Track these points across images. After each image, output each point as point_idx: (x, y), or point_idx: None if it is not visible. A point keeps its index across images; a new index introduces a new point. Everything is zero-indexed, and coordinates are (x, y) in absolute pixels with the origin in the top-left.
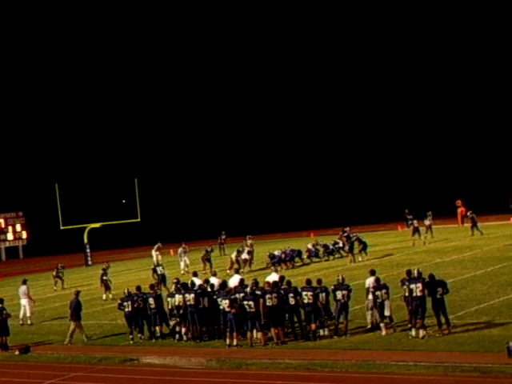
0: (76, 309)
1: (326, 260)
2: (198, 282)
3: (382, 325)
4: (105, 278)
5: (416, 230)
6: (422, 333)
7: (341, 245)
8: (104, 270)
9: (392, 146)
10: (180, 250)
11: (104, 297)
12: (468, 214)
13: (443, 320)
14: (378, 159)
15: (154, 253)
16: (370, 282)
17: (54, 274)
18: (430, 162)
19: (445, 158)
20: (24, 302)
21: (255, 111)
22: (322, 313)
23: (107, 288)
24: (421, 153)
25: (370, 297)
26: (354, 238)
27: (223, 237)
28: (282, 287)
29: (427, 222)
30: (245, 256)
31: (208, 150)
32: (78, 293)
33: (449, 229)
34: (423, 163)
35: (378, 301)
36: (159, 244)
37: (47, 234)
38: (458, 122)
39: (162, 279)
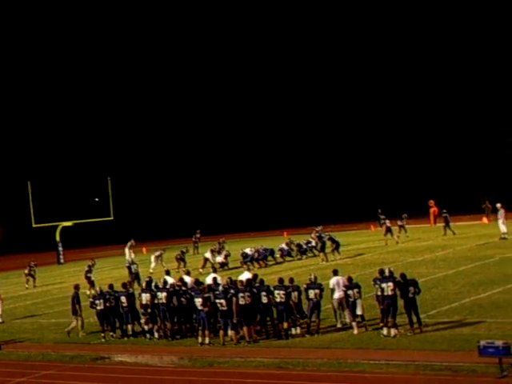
0: (78, 303)
1: (299, 259)
2: (170, 280)
3: (353, 324)
4: (89, 275)
5: (388, 230)
6: (393, 332)
7: (313, 244)
8: (89, 266)
9: (365, 146)
10: (157, 253)
11: (88, 293)
12: (442, 212)
13: (415, 319)
14: (352, 160)
15: (126, 250)
16: (333, 281)
17: (27, 271)
18: (403, 162)
19: (418, 158)
20: None
21: (232, 108)
22: (295, 312)
23: (92, 285)
24: (394, 153)
25: (335, 296)
26: (327, 237)
27: (198, 235)
28: (256, 285)
29: (400, 223)
30: (221, 259)
31: (181, 148)
32: (77, 286)
33: (421, 228)
34: (396, 164)
35: (350, 300)
36: (132, 241)
37: (19, 232)
38: (431, 123)
39: (136, 277)
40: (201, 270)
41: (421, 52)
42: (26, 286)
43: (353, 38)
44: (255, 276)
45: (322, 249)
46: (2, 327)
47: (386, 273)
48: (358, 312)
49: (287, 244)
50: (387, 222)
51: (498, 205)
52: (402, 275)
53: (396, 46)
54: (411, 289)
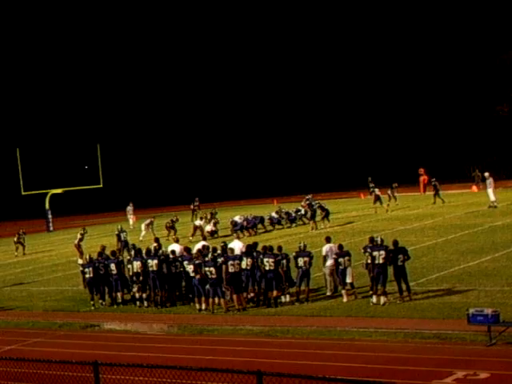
0: None
1: (289, 227)
2: (177, 248)
3: (343, 291)
4: (81, 243)
5: (377, 199)
6: (383, 299)
7: (303, 212)
8: (81, 235)
9: (355, 114)
10: (148, 221)
11: (80, 261)
12: (431, 181)
13: (404, 287)
14: (341, 127)
15: (130, 216)
16: (325, 249)
17: (16, 239)
18: (392, 130)
19: (408, 126)
20: None
21: (226, 78)
22: (283, 280)
23: (82, 254)
24: (384, 121)
25: (328, 263)
26: (317, 205)
27: (196, 203)
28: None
29: (389, 192)
30: (210, 228)
31: (173, 114)
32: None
33: (411, 197)
34: (387, 131)
35: (341, 267)
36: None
37: (8, 200)
38: (422, 91)
39: (125, 245)
40: (191, 238)
41: (409, 24)
42: (16, 253)
43: (345, 25)
44: (255, 244)
45: (312, 217)
46: None
47: (378, 241)
48: (348, 280)
49: (277, 212)
50: (376, 190)
51: (487, 173)
52: (394, 242)
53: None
54: (400, 256)
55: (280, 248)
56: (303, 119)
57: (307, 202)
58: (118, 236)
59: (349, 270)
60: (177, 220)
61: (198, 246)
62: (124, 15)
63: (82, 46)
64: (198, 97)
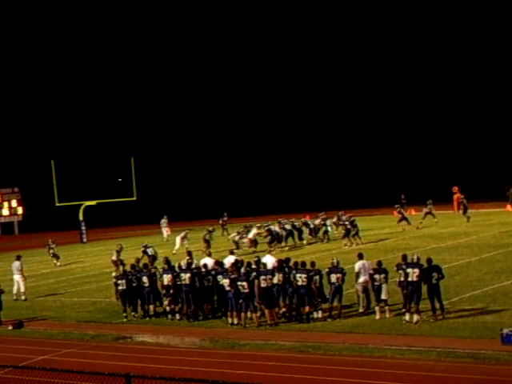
0: None
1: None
2: (209, 262)
3: (377, 308)
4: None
5: (403, 218)
6: (415, 317)
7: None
8: (118, 252)
9: (390, 131)
10: (183, 234)
11: (114, 274)
12: (461, 198)
13: (437, 305)
14: (376, 144)
15: (164, 229)
16: (358, 265)
17: (49, 250)
18: (427, 148)
19: (442, 144)
20: (17, 277)
21: (259, 91)
22: (316, 295)
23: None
24: (419, 139)
25: (361, 280)
26: (348, 221)
27: (225, 218)
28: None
29: (425, 209)
30: (251, 236)
31: (206, 129)
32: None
33: (445, 215)
34: (421, 149)
35: (376, 284)
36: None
37: (43, 211)
38: (457, 109)
39: (154, 259)
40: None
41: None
42: (58, 263)
43: (353, 28)
44: (288, 259)
45: (347, 234)
46: (24, 304)
47: (414, 259)
48: (383, 297)
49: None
50: (402, 209)
51: None
52: (428, 260)
53: (410, 34)
54: (434, 274)
55: (313, 264)
56: (338, 136)
57: (340, 221)
58: (145, 252)
59: (384, 287)
60: (213, 230)
61: (230, 259)
62: (159, 30)
63: (119, 60)
64: (231, 113)
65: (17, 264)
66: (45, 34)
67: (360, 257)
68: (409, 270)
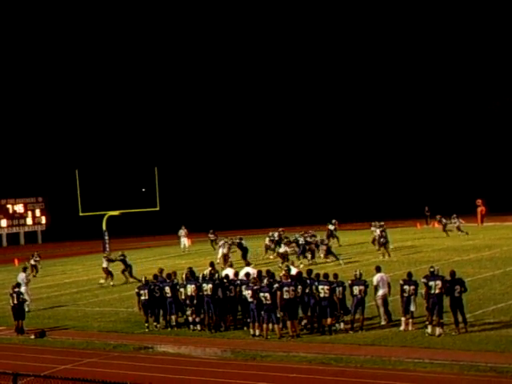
0: None
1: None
2: (231, 272)
3: (403, 319)
4: (104, 265)
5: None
6: (438, 330)
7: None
8: (108, 260)
9: (414, 143)
10: (221, 242)
11: (101, 281)
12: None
13: (460, 318)
14: (400, 156)
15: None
16: (376, 278)
17: (29, 261)
18: (452, 160)
19: (467, 157)
20: (22, 289)
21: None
22: (338, 307)
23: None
24: (444, 151)
25: (380, 293)
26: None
27: (212, 235)
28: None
29: (455, 224)
30: (284, 249)
31: (228, 138)
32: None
33: (468, 228)
34: (445, 162)
35: (405, 295)
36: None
37: (66, 220)
38: (482, 122)
39: (131, 269)
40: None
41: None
42: (35, 275)
43: (358, 34)
44: (310, 271)
45: (385, 244)
46: (47, 314)
47: (435, 271)
48: (412, 308)
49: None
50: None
51: None
52: (452, 273)
53: (417, 38)
54: (457, 287)
55: (336, 276)
56: (364, 148)
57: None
58: (123, 261)
59: (413, 299)
60: (241, 239)
61: (248, 270)
62: (186, 42)
63: (145, 71)
64: (253, 122)
65: (22, 276)
66: (71, 46)
67: (378, 270)
68: (431, 283)
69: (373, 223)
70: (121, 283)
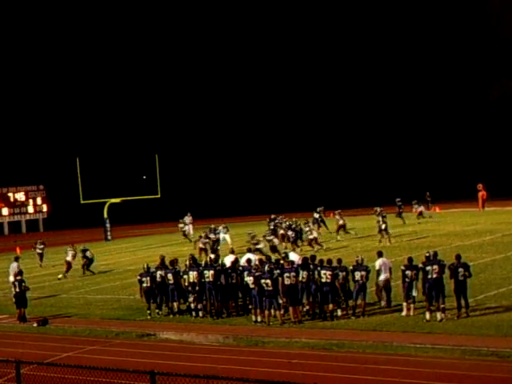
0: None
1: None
2: (232, 259)
3: (404, 304)
4: (68, 259)
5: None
6: (439, 315)
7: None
8: (73, 253)
9: (415, 128)
10: (220, 228)
11: (60, 276)
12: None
13: (463, 303)
14: (400, 142)
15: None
16: (379, 263)
17: (35, 250)
18: (451, 145)
19: (467, 141)
20: (11, 279)
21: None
22: (340, 293)
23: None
24: (443, 136)
25: (382, 278)
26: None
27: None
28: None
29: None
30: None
31: (229, 124)
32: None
33: (469, 212)
34: (445, 146)
35: (407, 280)
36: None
37: (67, 208)
38: (481, 106)
39: (91, 262)
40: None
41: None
42: (41, 264)
43: (357, 29)
44: (313, 257)
45: (386, 229)
46: (49, 302)
47: (430, 256)
48: (414, 293)
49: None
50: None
51: None
52: (457, 256)
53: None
54: (461, 270)
55: (339, 261)
56: (364, 134)
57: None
58: (84, 256)
59: (415, 284)
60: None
61: (250, 257)
62: (186, 29)
63: (144, 58)
64: (253, 108)
65: (14, 265)
66: (70, 34)
67: (379, 255)
68: (428, 268)
69: (336, 212)
70: (122, 270)
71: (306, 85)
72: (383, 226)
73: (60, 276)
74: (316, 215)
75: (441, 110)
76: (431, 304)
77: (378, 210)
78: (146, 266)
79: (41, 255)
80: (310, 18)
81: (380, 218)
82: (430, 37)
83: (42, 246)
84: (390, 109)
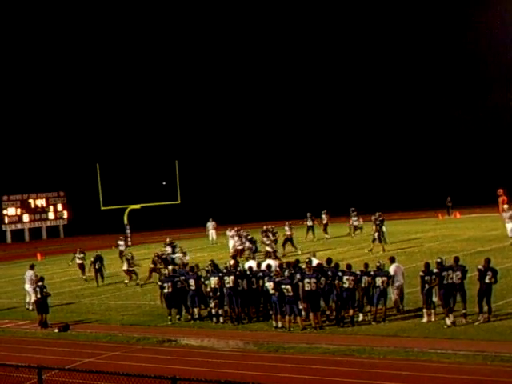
0: None
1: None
2: (254, 264)
3: (424, 310)
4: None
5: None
6: (448, 321)
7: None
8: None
9: (436, 133)
10: (232, 232)
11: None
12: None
13: (485, 308)
14: (421, 147)
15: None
16: (393, 268)
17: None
18: (472, 150)
19: (487, 146)
20: (28, 287)
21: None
22: (361, 299)
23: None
24: (464, 141)
25: (397, 283)
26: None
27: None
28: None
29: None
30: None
31: (247, 131)
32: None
33: (490, 217)
34: (466, 151)
35: (427, 286)
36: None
37: (88, 214)
38: (501, 111)
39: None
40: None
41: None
42: (84, 277)
43: (358, 31)
44: (329, 259)
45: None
46: (70, 307)
47: (443, 261)
48: (434, 299)
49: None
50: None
51: None
52: (487, 260)
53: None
54: (489, 274)
55: (366, 265)
56: (386, 138)
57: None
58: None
59: (435, 290)
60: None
61: (270, 262)
62: (207, 35)
63: (165, 65)
64: (275, 113)
65: (30, 273)
66: (93, 42)
67: (392, 260)
68: (444, 273)
69: (286, 223)
70: (142, 276)
71: (321, 95)
72: (376, 235)
73: (126, 281)
74: (309, 223)
75: (462, 114)
76: (448, 309)
77: (377, 215)
78: (167, 272)
79: (82, 266)
80: (311, 21)
81: (374, 226)
82: (447, 37)
83: (81, 255)
84: (411, 115)
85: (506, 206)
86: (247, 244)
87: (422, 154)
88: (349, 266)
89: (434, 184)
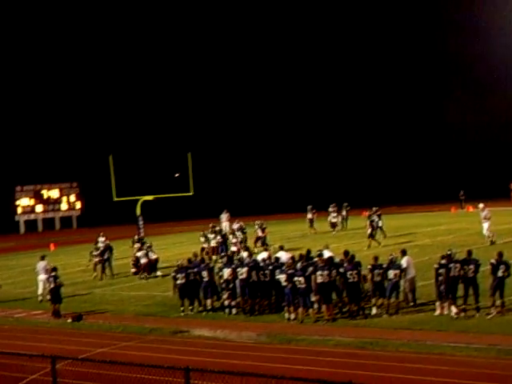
0: None
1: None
2: (266, 256)
3: (437, 304)
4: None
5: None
6: (453, 311)
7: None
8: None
9: (449, 127)
10: (237, 225)
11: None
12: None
13: (498, 302)
14: (434, 140)
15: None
16: (405, 261)
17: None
18: (485, 143)
19: (500, 140)
20: (42, 277)
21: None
22: (372, 292)
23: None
24: (476, 135)
25: (409, 276)
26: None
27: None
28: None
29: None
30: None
31: (262, 122)
32: None
33: (503, 211)
34: (479, 145)
35: (440, 278)
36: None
37: (100, 205)
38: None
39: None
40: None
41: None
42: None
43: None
44: (346, 252)
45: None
46: (83, 297)
47: (452, 254)
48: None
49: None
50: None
51: None
52: (500, 253)
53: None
54: (502, 267)
55: (376, 258)
56: (400, 132)
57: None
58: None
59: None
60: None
61: (282, 254)
62: (216, 29)
63: (176, 56)
64: (287, 104)
65: (43, 264)
66: (103, 34)
67: (403, 253)
68: (451, 265)
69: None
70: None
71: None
72: (369, 231)
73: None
74: (309, 215)
75: (472, 108)
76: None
77: (374, 209)
78: (180, 263)
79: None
80: (311, 21)
81: (368, 222)
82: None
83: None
84: (425, 108)
85: None
86: (212, 243)
87: (436, 147)
88: (351, 259)
89: (447, 178)
